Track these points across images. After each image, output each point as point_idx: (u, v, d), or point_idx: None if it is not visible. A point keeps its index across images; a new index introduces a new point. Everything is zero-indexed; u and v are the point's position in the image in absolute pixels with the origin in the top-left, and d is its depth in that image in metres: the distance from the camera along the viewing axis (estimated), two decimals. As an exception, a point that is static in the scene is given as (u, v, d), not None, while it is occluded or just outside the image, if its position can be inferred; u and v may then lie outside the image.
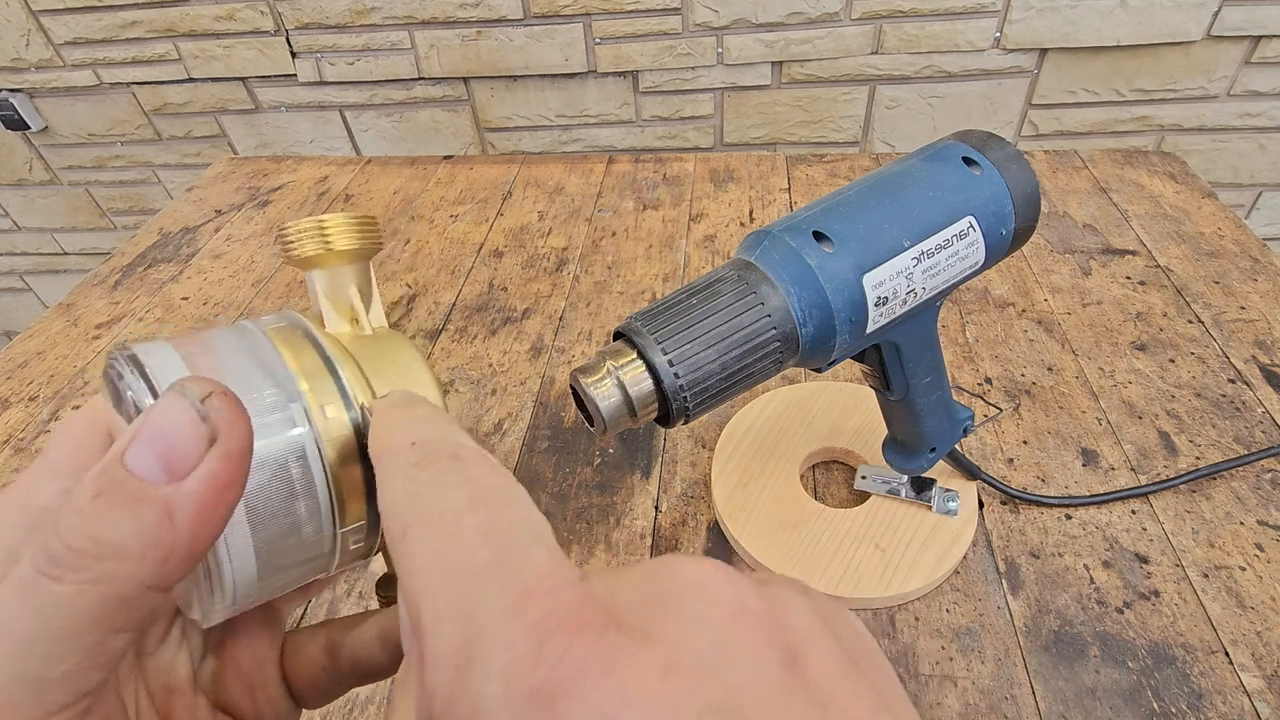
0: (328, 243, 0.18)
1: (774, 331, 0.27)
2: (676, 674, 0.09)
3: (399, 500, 0.12)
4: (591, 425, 0.27)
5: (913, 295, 0.30)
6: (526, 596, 0.10)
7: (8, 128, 1.13)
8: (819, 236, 0.28)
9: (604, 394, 0.26)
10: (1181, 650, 0.36)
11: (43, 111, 1.13)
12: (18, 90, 1.10)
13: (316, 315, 0.18)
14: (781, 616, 0.11)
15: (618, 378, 0.26)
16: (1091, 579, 0.39)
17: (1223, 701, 0.34)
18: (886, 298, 0.29)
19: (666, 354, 0.26)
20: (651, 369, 0.26)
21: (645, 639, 0.10)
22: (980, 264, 0.31)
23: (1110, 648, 0.36)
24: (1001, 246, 0.31)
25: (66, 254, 1.34)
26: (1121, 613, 0.37)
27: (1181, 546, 0.40)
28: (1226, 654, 0.35)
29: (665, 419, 0.28)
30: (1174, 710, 0.34)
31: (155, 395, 0.13)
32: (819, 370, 0.31)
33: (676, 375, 0.26)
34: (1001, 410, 0.49)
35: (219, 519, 0.12)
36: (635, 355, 0.26)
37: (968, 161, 0.31)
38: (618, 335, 0.27)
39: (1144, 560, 0.40)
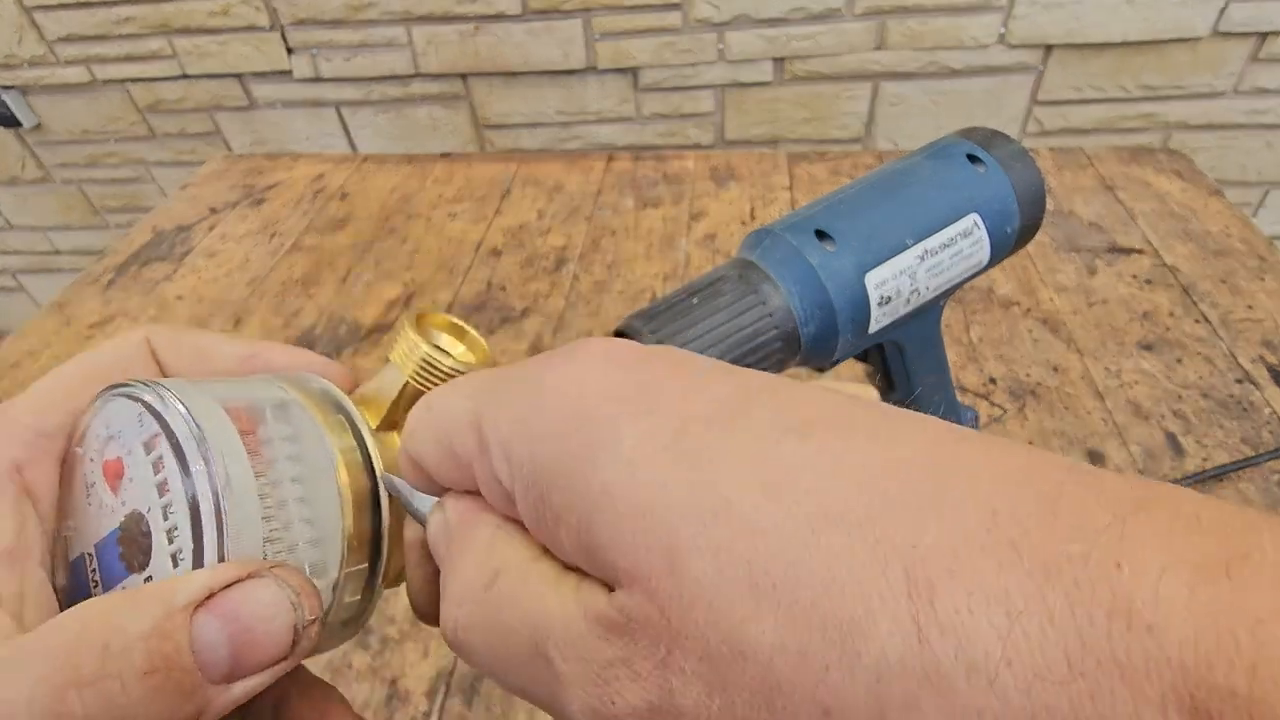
0: (430, 378, 0.16)
1: (776, 331, 0.27)
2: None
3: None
4: None
5: (916, 294, 0.29)
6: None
7: (0, 125, 1.12)
8: (821, 235, 0.28)
9: None
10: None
11: (36, 108, 1.12)
12: (10, 87, 1.09)
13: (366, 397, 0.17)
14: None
15: None
16: (1099, 584, 0.38)
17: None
18: (890, 297, 0.28)
19: None
20: None
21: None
22: (985, 263, 0.31)
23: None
24: (1006, 245, 0.31)
25: (60, 253, 1.34)
26: (1129, 619, 0.37)
27: (1190, 551, 0.39)
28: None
29: None
30: None
31: (215, 500, 0.12)
32: (821, 370, 0.31)
33: None
34: (1006, 411, 0.48)
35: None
36: None
37: (972, 159, 0.30)
38: (617, 334, 0.27)
39: (1152, 565, 0.39)
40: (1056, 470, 0.09)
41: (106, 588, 0.13)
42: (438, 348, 0.16)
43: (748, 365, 0.27)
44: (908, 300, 0.29)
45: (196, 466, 0.12)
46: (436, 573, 0.14)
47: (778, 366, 0.28)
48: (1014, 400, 0.48)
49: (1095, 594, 0.08)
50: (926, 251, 0.29)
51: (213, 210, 0.75)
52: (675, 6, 0.90)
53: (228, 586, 0.11)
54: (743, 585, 0.09)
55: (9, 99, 1.09)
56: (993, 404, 0.48)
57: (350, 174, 0.79)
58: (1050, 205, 0.66)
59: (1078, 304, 0.55)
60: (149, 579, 0.12)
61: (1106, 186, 0.68)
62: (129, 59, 1.04)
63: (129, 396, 0.13)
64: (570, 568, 0.11)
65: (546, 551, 0.12)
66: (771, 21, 0.90)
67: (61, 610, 0.12)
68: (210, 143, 1.13)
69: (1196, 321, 0.53)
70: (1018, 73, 0.91)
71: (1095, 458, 0.44)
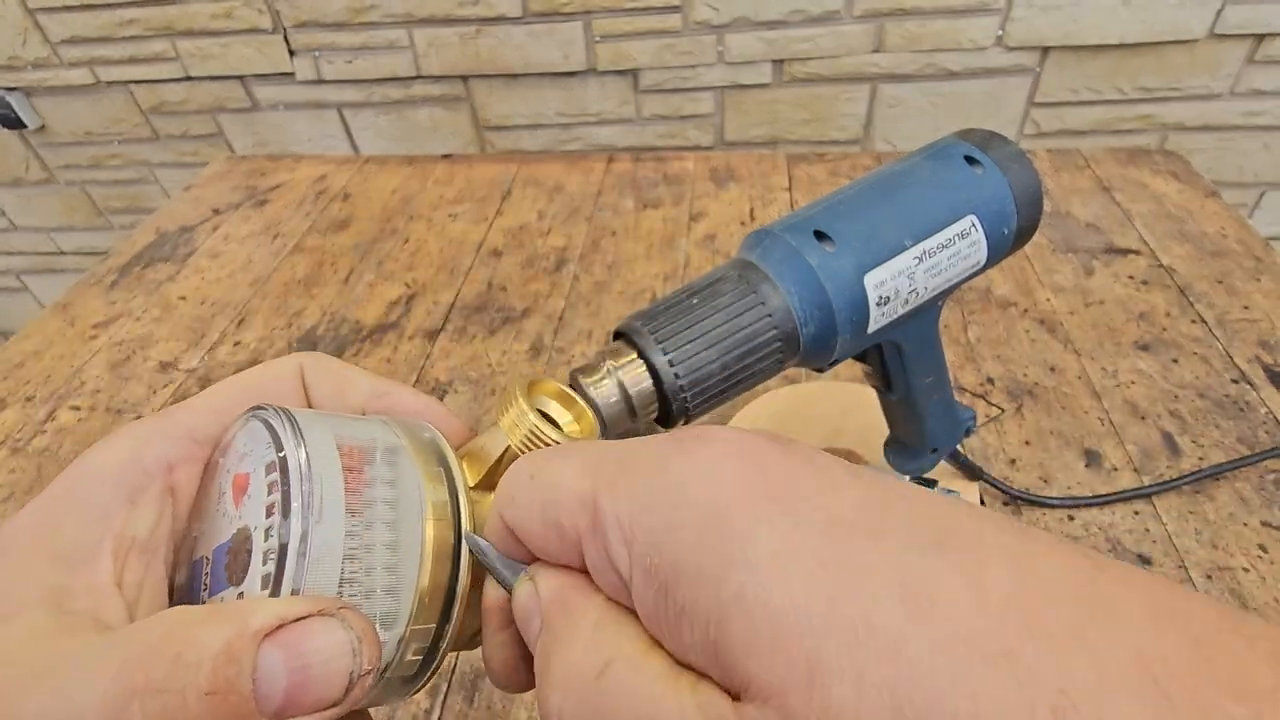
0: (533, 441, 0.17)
1: (775, 331, 0.27)
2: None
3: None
4: None
5: (914, 295, 0.30)
6: None
7: (4, 126, 1.12)
8: (820, 236, 0.28)
9: (604, 394, 0.25)
10: (1186, 653, 0.35)
11: (39, 110, 1.13)
12: (14, 89, 1.10)
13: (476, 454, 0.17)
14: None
15: (618, 378, 0.26)
16: (1095, 581, 0.38)
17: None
18: (888, 297, 0.29)
19: (667, 354, 0.26)
20: (652, 369, 0.26)
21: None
22: (982, 263, 0.31)
23: (1114, 651, 0.36)
24: (1004, 246, 0.31)
25: (63, 253, 1.34)
26: (1125, 615, 0.37)
27: (1185, 548, 0.40)
28: (1231, 657, 0.35)
29: (665, 419, 0.27)
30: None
31: (304, 534, 0.13)
32: (820, 370, 0.31)
33: (677, 375, 0.26)
34: (1004, 411, 0.48)
35: None
36: (635, 355, 0.26)
37: (970, 160, 0.30)
38: (617, 335, 0.27)
39: (1146, 561, 0.39)
40: (1204, 609, 0.09)
41: (212, 594, 0.13)
42: (545, 416, 0.17)
43: (747, 365, 0.27)
44: (906, 301, 0.30)
45: (295, 502, 0.13)
46: (514, 640, 0.15)
47: (777, 366, 0.28)
48: (1011, 400, 0.49)
49: None
50: (925, 252, 0.29)
51: (216, 211, 0.76)
52: (675, 9, 0.91)
53: (298, 620, 0.11)
54: (885, 713, 0.09)
55: (13, 100, 1.09)
56: (990, 404, 0.49)
57: (352, 175, 0.79)
58: (1047, 206, 0.66)
59: (1075, 304, 0.56)
60: (241, 595, 0.13)
61: (1103, 188, 0.68)
62: (132, 61, 1.04)
63: (263, 421, 0.14)
64: (685, 665, 0.11)
65: (658, 644, 0.11)
66: (771, 24, 0.90)
67: (171, 606, 0.13)
68: (213, 144, 1.13)
69: (1193, 322, 0.54)
70: (1015, 75, 0.91)
71: (1092, 457, 0.45)
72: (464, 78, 1.01)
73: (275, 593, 0.12)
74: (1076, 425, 0.47)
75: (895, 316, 0.30)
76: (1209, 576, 0.38)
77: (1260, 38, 0.85)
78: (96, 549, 0.13)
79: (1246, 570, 0.39)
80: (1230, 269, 0.58)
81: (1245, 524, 0.41)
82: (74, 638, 0.12)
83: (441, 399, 0.52)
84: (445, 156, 0.81)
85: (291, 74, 1.03)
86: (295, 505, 0.13)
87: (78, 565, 0.13)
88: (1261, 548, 0.40)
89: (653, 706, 0.11)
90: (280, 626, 0.11)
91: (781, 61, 0.94)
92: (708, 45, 0.93)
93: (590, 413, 0.18)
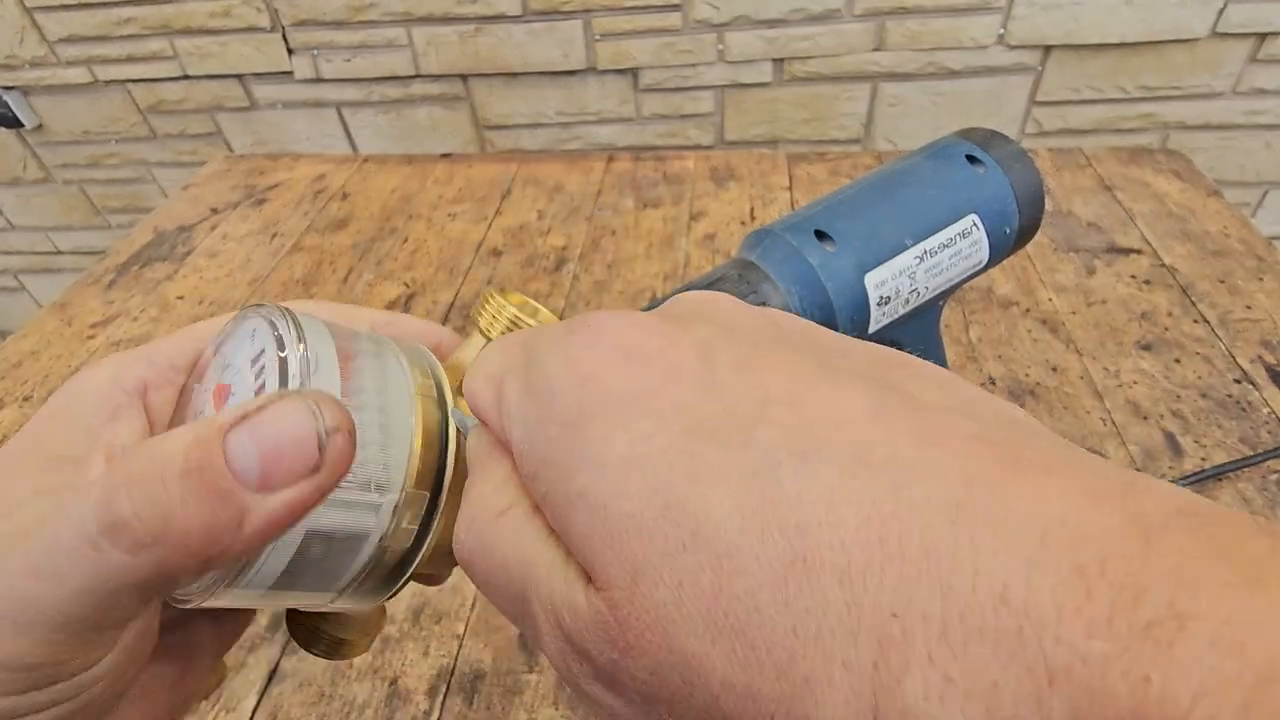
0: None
1: None
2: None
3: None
4: None
5: (915, 295, 0.29)
6: None
7: (2, 125, 1.12)
8: (821, 235, 0.28)
9: None
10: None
11: (37, 109, 1.12)
12: (11, 88, 1.10)
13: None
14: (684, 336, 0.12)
15: None
16: (1097, 583, 0.38)
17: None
18: (889, 297, 0.29)
19: None
20: None
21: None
22: (984, 263, 0.31)
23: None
24: (1005, 245, 0.31)
25: (61, 253, 1.34)
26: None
27: (1188, 550, 0.40)
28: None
29: None
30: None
31: (288, 379, 0.13)
32: None
33: None
34: None
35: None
36: None
37: (971, 159, 0.30)
38: None
39: (1150, 564, 0.39)
40: (1113, 520, 0.08)
41: None
42: (522, 309, 0.17)
43: None
44: (907, 300, 0.29)
45: (294, 368, 0.13)
46: None
47: None
48: (1013, 400, 0.48)
49: (1111, 709, 0.06)
50: (926, 252, 0.29)
51: (214, 210, 0.75)
52: (675, 7, 0.90)
53: (259, 409, 0.12)
54: (700, 621, 0.09)
55: (10, 99, 1.09)
56: (992, 404, 0.48)
57: (351, 174, 0.79)
58: (1049, 205, 0.66)
59: (1076, 304, 0.56)
60: None
61: (1105, 187, 0.68)
62: (130, 60, 1.04)
63: (256, 315, 0.15)
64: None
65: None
66: (771, 22, 0.90)
67: None
68: (211, 143, 1.13)
69: (1195, 321, 0.53)
70: (1016, 73, 0.91)
71: (1094, 457, 0.44)
72: (463, 77, 1.00)
73: None
74: (1078, 425, 0.46)
75: (896, 316, 0.30)
76: (1212, 578, 0.38)
77: (1262, 36, 0.85)
78: (87, 455, 0.14)
79: (1250, 572, 0.38)
80: (1232, 268, 0.58)
81: (1248, 525, 0.40)
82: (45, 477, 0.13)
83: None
84: (445, 156, 0.81)
85: (290, 73, 1.02)
86: (293, 373, 0.13)
87: (68, 467, 0.14)
88: (1265, 549, 0.39)
89: (530, 560, 0.11)
90: (243, 418, 0.11)
91: (782, 60, 0.93)
92: (708, 44, 0.93)
93: (554, 318, 0.19)
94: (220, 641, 0.17)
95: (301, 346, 0.14)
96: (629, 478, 0.10)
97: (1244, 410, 0.47)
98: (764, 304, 0.27)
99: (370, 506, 0.14)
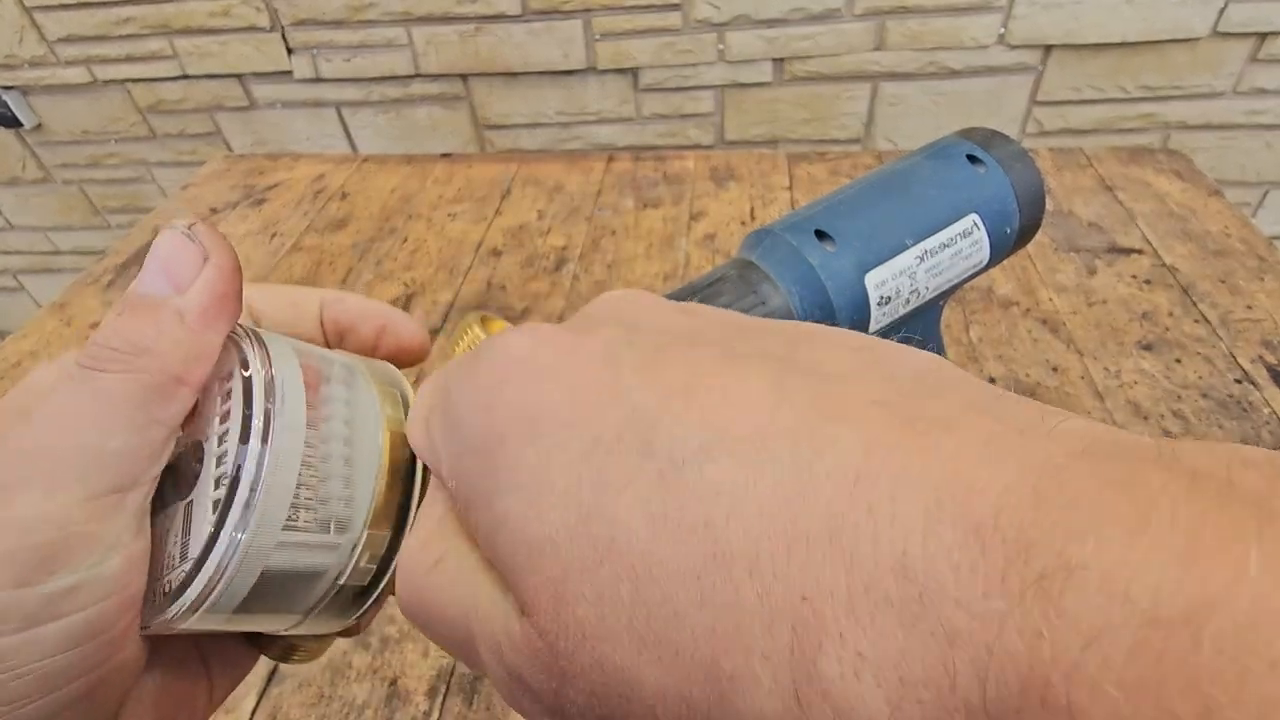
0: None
1: None
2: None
3: None
4: None
5: (916, 295, 0.29)
6: None
7: (1, 125, 1.12)
8: (821, 235, 0.28)
9: None
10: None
11: (36, 109, 1.12)
12: (11, 87, 1.09)
13: None
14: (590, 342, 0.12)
15: None
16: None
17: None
18: (889, 297, 0.29)
19: None
20: None
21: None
22: (985, 263, 0.31)
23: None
24: (1006, 245, 0.31)
25: (60, 253, 1.34)
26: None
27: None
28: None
29: None
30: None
31: (258, 436, 0.13)
32: None
33: None
34: None
35: (222, 321, 0.14)
36: None
37: (972, 159, 0.30)
38: None
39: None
40: (1008, 469, 0.08)
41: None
42: (487, 332, 0.17)
43: None
44: (907, 300, 0.29)
45: (257, 421, 0.13)
46: None
47: None
48: (1014, 400, 0.48)
49: (1010, 666, 0.07)
50: (926, 252, 0.29)
51: (213, 210, 0.75)
52: (675, 7, 0.90)
53: None
54: (625, 634, 0.09)
55: (10, 99, 1.09)
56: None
57: (351, 174, 0.79)
58: (1050, 205, 0.66)
59: (1077, 304, 0.56)
60: (190, 503, 0.14)
61: (1106, 187, 0.68)
62: (129, 59, 1.04)
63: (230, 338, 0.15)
64: None
65: None
66: (771, 22, 0.90)
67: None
68: (211, 143, 1.13)
69: (1196, 321, 0.53)
70: (1017, 73, 0.91)
71: (1095, 458, 0.44)
72: (463, 76, 1.00)
73: (238, 477, 0.13)
74: (1079, 426, 0.46)
75: (897, 316, 0.30)
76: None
77: (1263, 36, 0.85)
78: None
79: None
80: (1233, 268, 0.58)
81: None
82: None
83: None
84: (444, 156, 0.81)
85: (289, 72, 1.02)
86: (255, 425, 0.13)
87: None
88: (1266, 550, 0.39)
89: (473, 593, 0.11)
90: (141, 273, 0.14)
91: (782, 60, 0.93)
92: (708, 44, 0.93)
93: None
94: (222, 673, 0.17)
95: (266, 369, 0.14)
96: (541, 497, 0.10)
97: (1245, 410, 0.47)
98: (763, 304, 0.27)
99: (329, 547, 0.14)
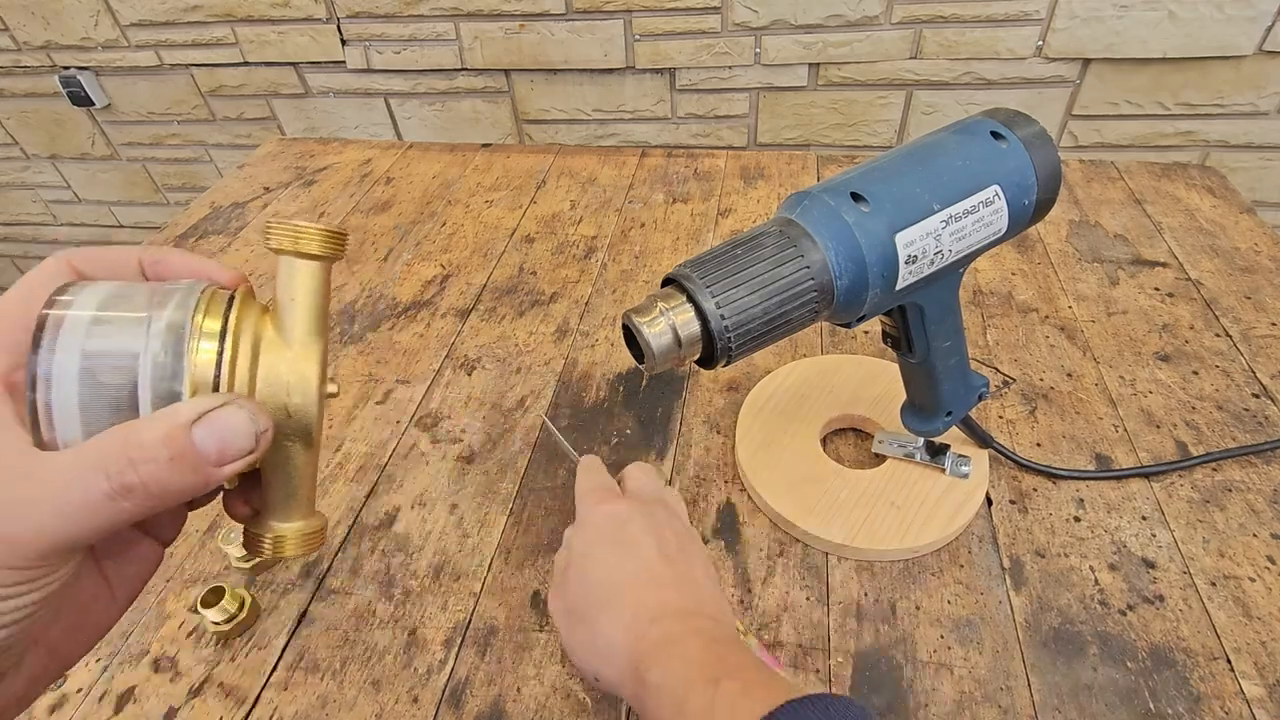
0: (296, 244, 0.20)
1: (812, 282, 0.29)
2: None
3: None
4: (641, 363, 0.29)
5: (940, 256, 0.31)
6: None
7: (74, 103, 1.19)
8: (856, 197, 0.30)
9: (657, 333, 0.28)
10: (1182, 655, 0.36)
11: (107, 89, 1.19)
12: (85, 68, 1.16)
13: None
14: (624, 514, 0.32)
15: (669, 319, 0.28)
16: (1096, 580, 0.39)
17: (1220, 707, 0.34)
18: (916, 256, 0.31)
19: (714, 297, 0.28)
20: (700, 312, 0.28)
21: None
22: (1003, 231, 0.32)
23: (1110, 647, 0.36)
24: (1024, 216, 0.33)
25: (122, 226, 1.41)
26: (1124, 615, 0.38)
27: (1190, 554, 0.40)
28: (1229, 661, 0.35)
29: (708, 360, 0.30)
30: (1170, 712, 0.34)
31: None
32: (848, 326, 0.33)
33: (723, 318, 0.28)
34: (1014, 380, 0.50)
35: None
36: (685, 299, 0.29)
37: (995, 135, 0.32)
38: (667, 281, 0.30)
39: (1151, 565, 0.40)
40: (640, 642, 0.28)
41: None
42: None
43: (786, 312, 0.29)
44: (932, 261, 0.31)
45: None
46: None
47: (812, 316, 0.30)
48: (1026, 403, 0.49)
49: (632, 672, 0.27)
50: (951, 216, 0.31)
51: (266, 189, 0.80)
52: (715, 10, 0.92)
53: (212, 410, 0.18)
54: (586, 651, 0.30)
55: (83, 79, 1.16)
56: (1002, 374, 0.49)
57: (395, 160, 0.82)
58: (1076, 215, 0.66)
59: (1097, 313, 0.56)
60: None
61: (1135, 200, 0.68)
62: (195, 45, 1.10)
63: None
64: None
65: None
66: (809, 27, 0.91)
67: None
68: (266, 127, 1.18)
69: (1217, 335, 0.53)
70: (1054, 86, 0.91)
71: (1103, 462, 0.45)
72: (506, 71, 1.03)
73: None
74: (1090, 430, 0.47)
75: (921, 276, 0.32)
76: (1213, 584, 0.39)
77: (1311, 56, 0.84)
78: None
79: (1253, 580, 0.39)
80: (1260, 285, 0.57)
81: (1255, 535, 0.41)
82: (38, 459, 0.17)
83: (470, 374, 0.54)
84: (485, 146, 0.84)
85: (343, 62, 1.07)
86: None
87: None
88: (1270, 559, 0.40)
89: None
90: (200, 417, 0.17)
91: (818, 65, 0.95)
92: (745, 47, 0.95)
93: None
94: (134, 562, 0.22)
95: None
96: (557, 620, 0.32)
97: (1260, 424, 0.47)
98: (803, 257, 0.29)
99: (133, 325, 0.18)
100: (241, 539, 0.22)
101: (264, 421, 0.18)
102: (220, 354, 0.19)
